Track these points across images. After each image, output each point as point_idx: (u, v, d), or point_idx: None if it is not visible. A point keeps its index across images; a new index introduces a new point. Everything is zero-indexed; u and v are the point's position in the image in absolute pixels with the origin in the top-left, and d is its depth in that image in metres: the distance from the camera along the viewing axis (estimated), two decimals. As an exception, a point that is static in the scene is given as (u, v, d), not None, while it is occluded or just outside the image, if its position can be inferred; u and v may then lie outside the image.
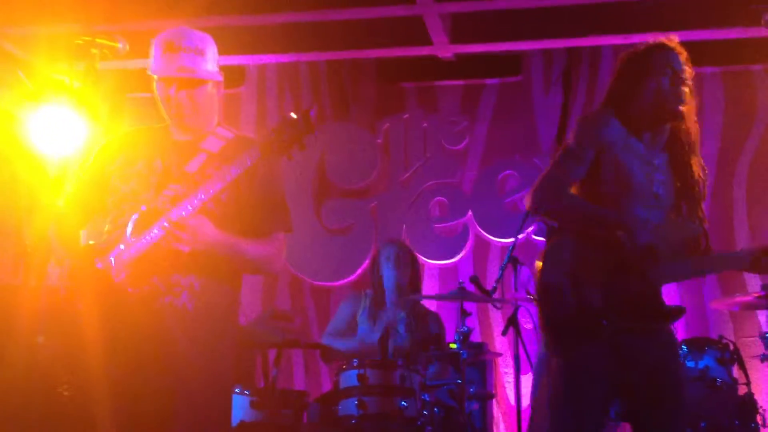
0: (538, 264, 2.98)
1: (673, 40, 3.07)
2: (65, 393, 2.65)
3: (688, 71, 3.02)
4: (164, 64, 2.72)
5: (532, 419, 4.60)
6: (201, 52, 2.75)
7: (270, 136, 2.51)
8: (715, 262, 3.07)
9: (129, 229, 2.62)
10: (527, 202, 2.98)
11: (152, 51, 2.77)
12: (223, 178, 2.56)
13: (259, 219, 2.74)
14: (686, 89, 2.99)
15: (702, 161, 3.14)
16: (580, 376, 2.86)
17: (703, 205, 3.08)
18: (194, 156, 2.72)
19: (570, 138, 3.04)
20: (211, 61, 2.79)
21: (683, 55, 3.03)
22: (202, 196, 2.55)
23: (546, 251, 2.99)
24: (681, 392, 2.92)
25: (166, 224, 2.52)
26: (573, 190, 3.02)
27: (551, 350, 2.95)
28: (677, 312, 2.93)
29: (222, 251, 2.63)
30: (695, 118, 3.11)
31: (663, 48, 3.03)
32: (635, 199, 2.95)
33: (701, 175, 3.10)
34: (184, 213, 2.54)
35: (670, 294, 5.83)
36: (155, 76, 2.78)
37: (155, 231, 2.56)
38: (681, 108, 3.00)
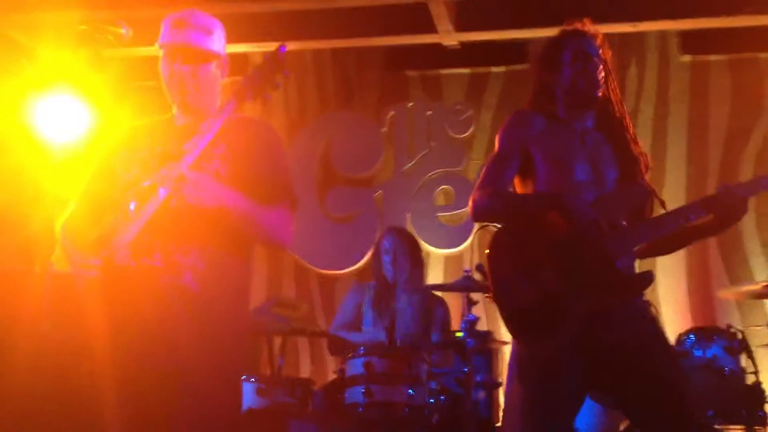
0: (486, 261, 2.92)
1: (586, 23, 3.05)
2: (73, 378, 2.63)
3: (604, 54, 3.00)
4: (170, 37, 2.74)
5: (504, 417, 4.49)
6: (209, 31, 2.75)
7: (243, 81, 2.57)
8: (669, 218, 2.86)
9: (131, 210, 2.61)
10: (470, 210, 2.99)
11: (161, 28, 2.78)
12: (207, 133, 2.58)
13: (261, 191, 2.70)
14: (601, 74, 2.97)
15: (635, 135, 3.05)
16: (551, 365, 2.75)
17: (648, 174, 2.98)
18: (193, 136, 2.71)
19: (496, 145, 3.05)
20: (218, 41, 2.79)
21: (598, 39, 3.02)
22: (191, 156, 2.56)
23: (490, 245, 2.92)
24: (671, 370, 2.76)
25: (169, 182, 2.52)
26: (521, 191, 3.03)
27: (518, 342, 2.88)
28: (642, 279, 2.82)
29: (228, 203, 2.59)
30: (618, 96, 3.06)
31: (575, 34, 3.02)
32: (575, 181, 2.88)
33: (640, 149, 3.01)
34: (183, 168, 2.55)
35: (679, 284, 5.82)
36: (161, 52, 2.79)
37: (156, 200, 2.55)
38: (598, 93, 2.98)
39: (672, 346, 2.87)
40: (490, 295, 2.89)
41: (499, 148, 3.03)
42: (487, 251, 2.91)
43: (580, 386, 2.80)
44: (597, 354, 2.74)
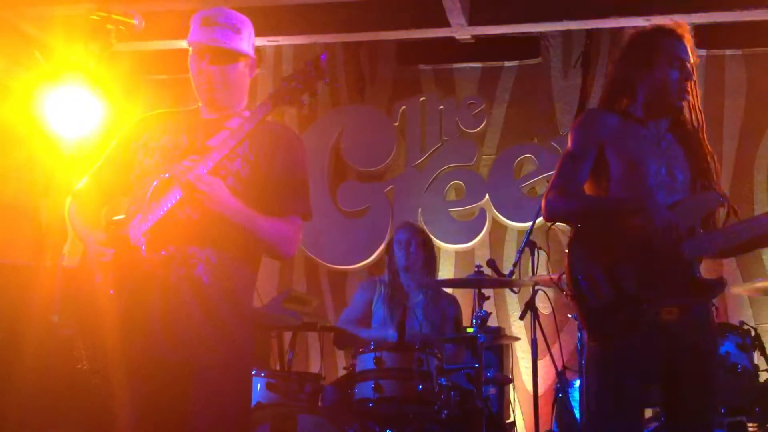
0: (565, 260, 2.94)
1: (682, 25, 2.99)
2: (83, 368, 2.63)
3: (694, 61, 2.96)
4: (199, 35, 2.74)
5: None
6: (237, 30, 2.75)
7: (281, 85, 2.54)
8: (744, 227, 2.90)
9: (148, 197, 2.62)
10: (542, 212, 2.99)
11: (191, 26, 2.78)
12: (238, 135, 2.57)
13: (277, 199, 2.73)
14: (690, 83, 2.94)
15: (707, 142, 3.05)
16: (620, 364, 2.81)
17: (719, 181, 3.01)
18: (218, 132, 2.71)
19: (568, 142, 3.02)
20: (246, 40, 2.80)
21: (690, 43, 2.97)
22: (218, 155, 2.56)
23: (570, 245, 2.94)
24: (714, 383, 2.89)
25: (183, 180, 2.52)
26: (588, 191, 3.01)
27: (595, 340, 2.90)
28: (716, 284, 2.86)
29: (237, 218, 2.60)
30: (699, 104, 3.03)
31: (672, 36, 2.96)
32: (649, 183, 2.90)
33: (712, 153, 3.02)
34: (202, 170, 2.54)
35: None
36: (190, 50, 2.79)
37: (173, 195, 2.55)
38: (683, 103, 2.96)
39: (717, 354, 2.97)
40: (568, 293, 2.91)
41: (572, 146, 3.00)
42: (567, 250, 2.93)
43: (646, 383, 2.86)
44: (659, 350, 2.80)
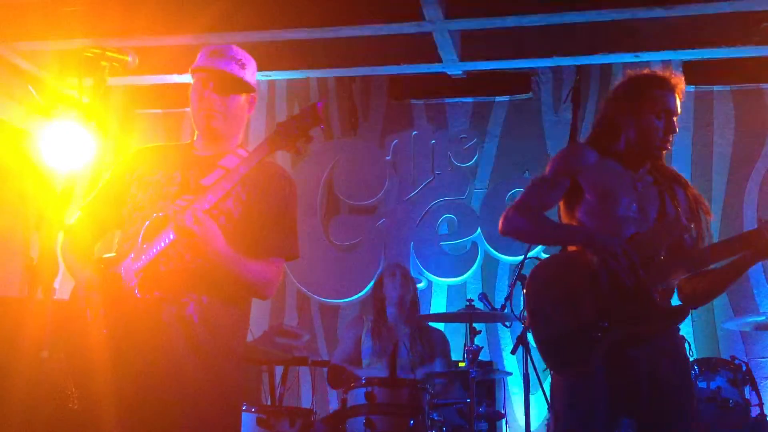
0: (524, 290, 2.97)
1: (677, 76, 3.02)
2: (74, 407, 2.61)
3: (679, 110, 3.00)
4: (205, 62, 2.78)
5: None
6: (242, 65, 2.80)
7: (277, 130, 2.55)
8: (709, 253, 2.91)
9: (140, 237, 2.61)
10: (499, 224, 3.01)
11: (197, 57, 2.83)
12: (232, 178, 2.57)
13: (264, 239, 2.73)
14: (673, 135, 2.98)
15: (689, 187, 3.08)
16: (585, 393, 2.80)
17: (701, 221, 3.00)
18: (212, 171, 2.72)
19: (546, 169, 3.07)
20: (250, 76, 2.84)
21: (680, 91, 3.00)
22: (213, 197, 2.56)
23: (531, 277, 2.98)
24: (686, 416, 2.84)
25: (177, 222, 2.52)
26: (563, 219, 3.05)
27: (552, 369, 2.90)
28: (678, 311, 2.86)
29: (225, 263, 2.61)
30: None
31: (665, 86, 2.99)
32: (618, 213, 2.92)
33: (696, 196, 3.04)
34: (196, 212, 2.55)
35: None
36: (192, 79, 2.82)
37: (166, 235, 2.55)
38: (664, 152, 3.01)
39: (692, 387, 2.92)
40: (526, 324, 2.94)
41: (548, 172, 3.05)
42: (527, 282, 2.96)
43: (611, 412, 2.82)
44: (626, 382, 2.79)
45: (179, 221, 2.50)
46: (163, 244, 2.56)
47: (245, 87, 2.81)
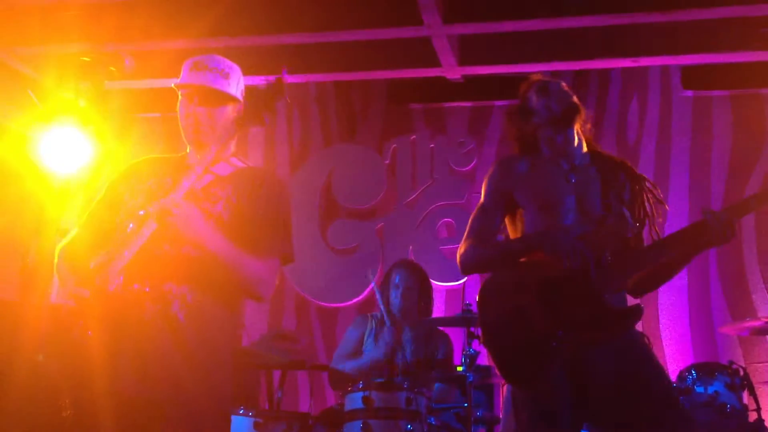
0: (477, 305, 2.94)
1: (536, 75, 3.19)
2: (66, 414, 2.61)
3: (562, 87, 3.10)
4: (189, 78, 2.79)
5: None
6: (226, 75, 2.81)
7: (242, 107, 2.64)
8: (657, 250, 2.85)
9: (127, 235, 2.61)
10: (459, 266, 3.01)
11: (181, 71, 2.84)
12: (205, 161, 2.64)
13: (258, 240, 2.71)
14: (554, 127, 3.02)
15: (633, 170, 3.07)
16: (544, 405, 2.74)
17: (640, 206, 2.99)
18: (203, 176, 2.73)
19: (481, 194, 3.08)
20: (235, 86, 2.84)
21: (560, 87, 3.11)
22: (187, 182, 2.60)
23: (480, 292, 2.93)
24: (658, 407, 2.71)
25: (156, 209, 2.53)
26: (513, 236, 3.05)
27: (511, 384, 2.87)
28: (631, 313, 2.80)
29: (211, 245, 2.59)
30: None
31: (531, 85, 3.14)
32: (561, 216, 2.90)
33: (640, 178, 3.03)
34: (174, 198, 2.58)
35: (681, 320, 5.79)
36: (179, 93, 2.84)
37: (146, 229, 2.56)
38: (572, 104, 3.03)
39: (665, 376, 2.84)
40: (480, 338, 2.90)
41: (483, 198, 3.06)
42: (478, 298, 2.93)
43: (575, 421, 2.78)
44: (589, 388, 2.73)
45: (156, 208, 2.51)
46: (144, 237, 2.56)
47: (230, 97, 2.82)
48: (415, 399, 4.05)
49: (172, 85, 2.83)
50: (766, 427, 4.25)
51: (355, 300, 6.42)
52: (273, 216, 2.78)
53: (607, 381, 2.73)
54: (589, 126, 3.13)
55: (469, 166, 6.53)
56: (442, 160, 6.58)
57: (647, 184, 3.03)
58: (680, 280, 5.80)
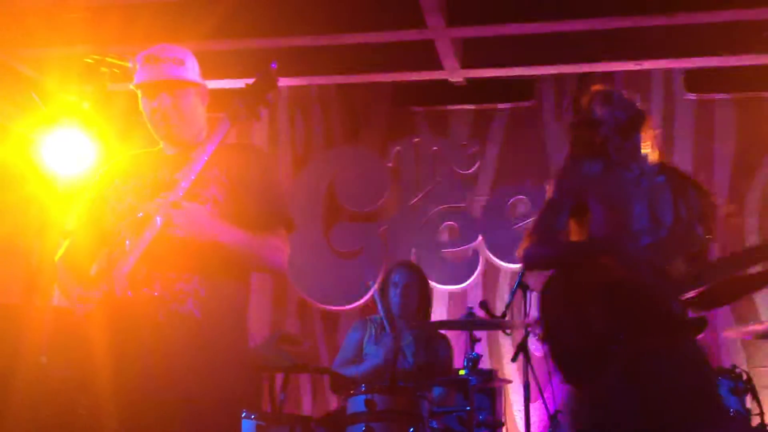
0: (539, 303, 2.95)
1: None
2: (80, 412, 2.61)
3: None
4: (145, 75, 2.77)
5: None
6: (181, 62, 2.79)
7: (234, 103, 2.58)
8: (724, 263, 2.90)
9: (127, 239, 2.61)
10: (521, 260, 3.03)
11: (136, 68, 2.82)
12: (201, 157, 2.59)
13: (258, 215, 2.72)
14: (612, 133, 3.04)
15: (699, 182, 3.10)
16: (604, 407, 2.78)
17: (710, 220, 3.02)
18: (184, 165, 2.72)
19: (550, 190, 3.08)
20: (192, 70, 2.83)
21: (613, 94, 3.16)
22: (186, 183, 2.57)
23: (543, 288, 2.97)
24: (710, 420, 2.80)
25: (158, 213, 2.52)
26: (574, 239, 3.04)
27: (569, 383, 2.89)
28: (697, 323, 2.84)
29: (222, 239, 2.59)
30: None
31: (593, 97, 3.17)
32: (633, 227, 2.91)
33: (706, 193, 3.06)
34: (174, 201, 2.56)
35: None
36: (139, 93, 2.82)
37: (150, 230, 2.55)
38: (638, 111, 3.09)
39: (716, 395, 2.88)
40: (541, 336, 2.91)
41: (552, 194, 3.06)
42: (541, 294, 2.94)
43: (635, 423, 2.79)
44: (647, 395, 2.76)
45: (161, 212, 2.50)
46: (148, 239, 2.55)
47: (190, 83, 2.81)
48: (417, 402, 4.05)
49: (131, 86, 2.82)
50: (769, 431, 4.25)
51: (358, 303, 6.41)
52: (266, 188, 2.79)
53: (663, 390, 2.76)
54: (657, 132, 3.12)
55: (472, 169, 6.52)
56: (445, 162, 6.57)
57: (714, 200, 3.06)
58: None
